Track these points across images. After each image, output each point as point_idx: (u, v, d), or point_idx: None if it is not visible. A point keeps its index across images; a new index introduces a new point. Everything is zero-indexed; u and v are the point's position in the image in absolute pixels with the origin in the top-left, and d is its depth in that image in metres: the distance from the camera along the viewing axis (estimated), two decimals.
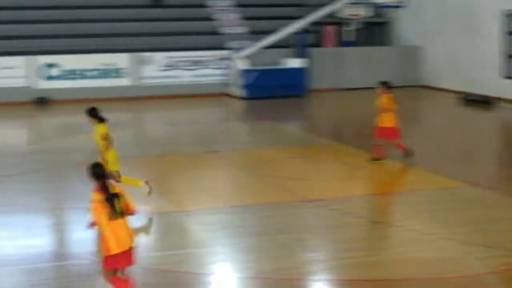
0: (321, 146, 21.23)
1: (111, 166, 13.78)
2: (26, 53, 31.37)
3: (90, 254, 11.39)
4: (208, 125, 26.07)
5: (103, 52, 32.28)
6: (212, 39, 34.03)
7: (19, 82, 31.02)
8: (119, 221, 8.71)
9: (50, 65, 31.39)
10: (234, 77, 32.41)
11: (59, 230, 13.49)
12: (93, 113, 14.37)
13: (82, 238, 12.30)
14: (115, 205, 8.71)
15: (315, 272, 11.01)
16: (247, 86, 31.68)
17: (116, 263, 8.84)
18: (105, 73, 32.04)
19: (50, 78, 31.41)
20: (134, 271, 10.60)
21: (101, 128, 14.15)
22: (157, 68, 32.58)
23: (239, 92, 31.97)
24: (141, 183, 14.58)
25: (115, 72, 32.18)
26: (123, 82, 32.26)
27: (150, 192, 14.52)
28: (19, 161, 19.16)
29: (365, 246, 12.12)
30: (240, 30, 34.85)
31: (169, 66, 32.73)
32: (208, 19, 35.08)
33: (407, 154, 18.15)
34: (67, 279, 10.64)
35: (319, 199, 14.79)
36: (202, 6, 35.50)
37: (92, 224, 8.87)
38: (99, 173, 8.82)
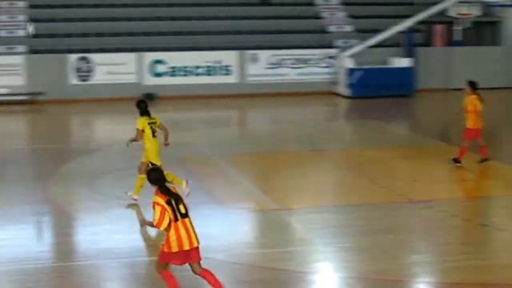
0: (428, 146, 20.92)
1: (150, 158, 13.97)
2: (136, 50, 32.08)
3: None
4: (313, 123, 26.03)
5: (211, 49, 32.67)
6: (319, 37, 33.98)
7: (129, 78, 31.74)
8: (183, 221, 8.94)
9: (159, 62, 31.99)
10: (340, 76, 32.28)
11: None
12: (139, 105, 14.45)
13: None
14: (178, 206, 8.91)
15: (418, 274, 10.86)
16: (353, 85, 31.50)
17: (171, 260, 9.07)
18: (212, 71, 32.42)
19: (158, 74, 32.01)
20: (236, 268, 10.69)
21: (140, 121, 14.30)
22: (263, 66, 32.75)
23: (344, 91, 31.82)
24: (184, 182, 14.45)
25: (222, 70, 32.52)
26: (230, 79, 32.57)
27: (188, 194, 14.12)
28: (127, 156, 19.57)
29: (471, 249, 11.88)
30: (347, 28, 34.67)
31: (275, 64, 32.85)
32: (315, 17, 35.03)
33: (484, 160, 17.69)
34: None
35: (425, 200, 14.58)
36: (309, 4, 35.49)
37: (150, 224, 9.08)
38: (156, 177, 9.03)
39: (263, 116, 28.92)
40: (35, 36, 32.36)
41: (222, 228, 12.89)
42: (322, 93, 32.36)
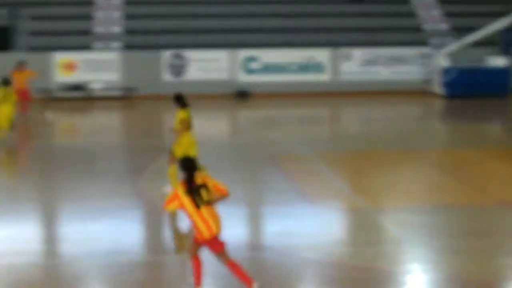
0: None
1: (185, 150, 14.22)
2: (229, 47, 32.37)
3: (282, 247, 11.61)
4: (406, 122, 25.79)
5: (303, 46, 32.70)
6: (413, 36, 33.60)
7: (222, 75, 32.06)
8: (206, 208, 9.30)
9: (251, 59, 32.20)
10: (434, 75, 31.86)
11: (254, 222, 13.83)
12: (177, 99, 14.86)
13: (277, 231, 12.56)
14: (200, 195, 9.31)
15: (510, 278, 10.66)
16: (448, 84, 31.04)
17: (204, 243, 9.42)
18: (304, 68, 32.45)
19: (251, 71, 32.22)
20: (327, 266, 10.70)
21: (181, 114, 14.67)
22: (356, 64, 32.60)
23: (439, 90, 31.39)
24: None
25: (315, 67, 32.51)
26: (322, 77, 32.53)
27: None
28: (219, 152, 19.79)
29: None
30: (442, 26, 34.19)
31: (369, 62, 32.65)
32: (410, 15, 34.66)
33: None
34: (262, 270, 10.87)
35: None
36: (404, 2, 35.13)
37: (165, 207, 9.51)
38: (187, 166, 9.41)
39: (355, 115, 28.80)
40: (130, 32, 33.01)
41: (313, 227, 12.91)
42: (416, 92, 31.99)
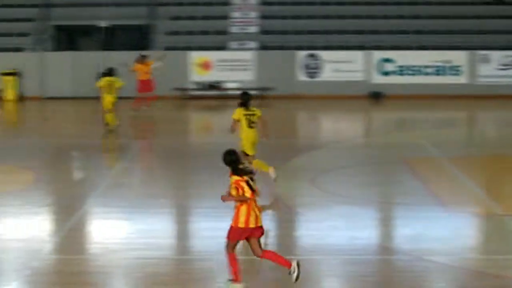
0: None
1: (243, 147, 14.80)
2: (364, 48, 32.20)
3: (412, 251, 11.48)
4: None
5: (440, 49, 32.15)
6: None
7: (357, 76, 31.93)
8: (254, 200, 9.50)
9: (386, 60, 31.91)
10: None
11: (385, 224, 13.72)
12: (242, 96, 15.24)
13: (408, 234, 12.42)
14: (251, 186, 9.47)
15: None
16: None
17: (240, 236, 9.56)
18: (440, 70, 31.89)
19: (386, 73, 31.94)
20: (459, 273, 10.48)
21: (236, 111, 15.16)
22: (495, 67, 31.77)
23: None
24: (270, 169, 15.32)
25: (451, 70, 31.90)
26: (459, 80, 31.88)
27: (276, 179, 15.31)
28: (352, 154, 19.75)
29: None
30: None
31: (508, 65, 31.76)
32: None
33: None
34: (391, 274, 10.77)
35: None
36: None
37: (238, 199, 9.46)
38: (231, 159, 9.64)
39: (493, 118, 28.09)
40: (265, 32, 33.33)
41: (446, 232, 12.67)
42: None
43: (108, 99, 21.91)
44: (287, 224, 13.49)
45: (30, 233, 12.56)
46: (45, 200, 15.21)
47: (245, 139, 15.06)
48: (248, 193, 9.46)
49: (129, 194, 15.35)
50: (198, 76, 32.20)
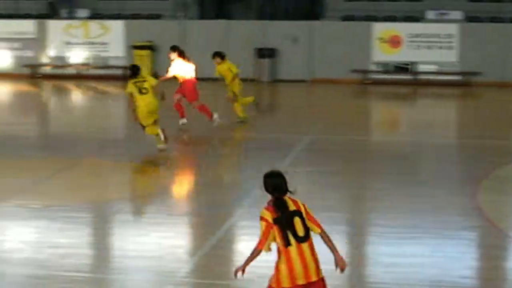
0: None
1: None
2: None
3: None
4: None
5: None
6: None
7: None
8: (299, 246, 8.64)
9: None
10: None
11: None
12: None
13: None
14: (294, 227, 8.63)
15: None
16: None
17: None
18: None
19: None
20: None
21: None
22: None
23: None
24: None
25: None
26: None
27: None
28: None
29: None
30: None
31: None
32: None
33: None
34: None
35: None
36: None
37: (257, 250, 8.70)
38: (274, 184, 8.80)
39: None
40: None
41: None
42: None
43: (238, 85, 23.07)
44: (497, 252, 13.18)
45: (163, 250, 12.81)
46: (182, 208, 15.50)
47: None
48: (271, 237, 8.66)
49: None
50: (383, 55, 32.00)
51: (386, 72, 31.81)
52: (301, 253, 8.65)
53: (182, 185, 17.44)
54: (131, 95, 19.32)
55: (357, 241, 13.88)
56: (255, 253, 8.73)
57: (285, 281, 8.63)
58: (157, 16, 34.06)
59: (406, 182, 17.16)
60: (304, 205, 8.85)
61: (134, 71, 19.68)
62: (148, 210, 15.07)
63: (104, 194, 16.86)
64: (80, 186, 17.49)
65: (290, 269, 8.62)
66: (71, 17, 34.86)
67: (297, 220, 8.70)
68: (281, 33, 31.43)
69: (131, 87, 19.35)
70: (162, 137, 19.22)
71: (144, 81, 19.50)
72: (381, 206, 15.35)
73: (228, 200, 15.85)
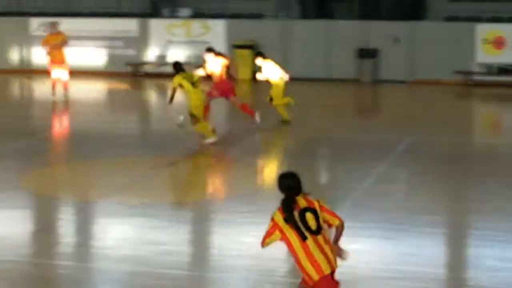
0: None
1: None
2: None
3: None
4: None
5: None
6: None
7: None
8: (315, 239, 8.87)
9: None
10: None
11: None
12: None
13: None
14: (307, 222, 8.87)
15: None
16: None
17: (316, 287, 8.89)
18: None
19: None
20: None
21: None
22: None
23: None
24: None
25: None
26: None
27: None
28: None
29: None
30: None
31: None
32: None
33: None
34: None
35: None
36: None
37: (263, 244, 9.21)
38: (288, 184, 9.07)
39: None
40: None
41: None
42: None
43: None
44: None
45: (261, 249, 12.79)
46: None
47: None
48: (274, 237, 9.08)
49: (389, 206, 15.34)
50: (486, 56, 31.55)
51: (489, 73, 31.38)
52: (318, 245, 8.87)
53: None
54: (176, 88, 20.24)
55: (459, 243, 13.75)
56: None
57: (315, 275, 8.84)
58: (258, 16, 34.12)
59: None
60: (318, 201, 9.12)
61: (179, 67, 20.46)
62: (245, 209, 15.05)
63: (202, 192, 16.98)
64: (180, 184, 17.65)
65: (313, 261, 8.83)
66: (173, 16, 35.11)
67: (309, 216, 8.94)
68: (383, 33, 31.20)
69: (181, 80, 20.10)
70: (211, 130, 20.30)
71: (192, 76, 20.37)
72: (486, 209, 15.12)
73: (327, 200, 15.74)
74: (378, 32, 31.28)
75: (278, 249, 12.94)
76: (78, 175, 18.26)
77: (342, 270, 11.31)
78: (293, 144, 21.52)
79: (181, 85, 20.10)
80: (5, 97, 30.99)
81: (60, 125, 25.34)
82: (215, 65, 22.19)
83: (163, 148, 20.59)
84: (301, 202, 9.00)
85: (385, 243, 13.31)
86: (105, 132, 22.97)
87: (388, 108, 28.64)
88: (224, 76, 22.39)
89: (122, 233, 13.96)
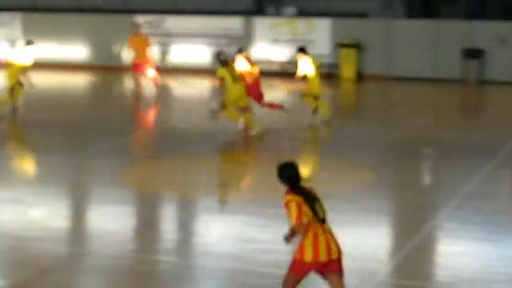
0: None
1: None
2: None
3: None
4: None
5: None
6: None
7: None
8: (322, 227, 9.22)
9: None
10: None
11: None
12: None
13: None
14: (316, 209, 9.16)
15: None
16: None
17: (303, 272, 9.30)
18: None
19: None
20: None
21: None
22: None
23: None
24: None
25: None
26: None
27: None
28: None
29: None
30: None
31: None
32: None
33: None
34: None
35: None
36: None
37: (291, 235, 9.27)
38: (288, 174, 9.30)
39: None
40: None
41: None
42: None
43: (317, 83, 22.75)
44: None
45: (364, 250, 12.72)
46: (384, 207, 15.37)
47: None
48: (307, 217, 9.16)
49: (494, 208, 15.14)
50: None
51: None
52: (324, 233, 9.25)
53: (381, 186, 17.22)
54: (222, 79, 20.62)
55: None
56: (296, 231, 9.23)
57: (309, 256, 9.18)
58: (363, 15, 33.91)
59: None
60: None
61: (223, 60, 20.87)
62: (345, 208, 14.96)
63: None
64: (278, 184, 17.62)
65: (315, 245, 9.18)
66: (277, 14, 35.11)
67: (317, 204, 9.30)
68: (489, 34, 30.76)
69: (224, 72, 20.54)
70: (240, 125, 20.92)
71: (234, 70, 20.88)
72: None
73: (431, 201, 15.65)
74: (484, 32, 30.84)
75: (381, 248, 12.93)
76: (179, 171, 18.38)
77: (445, 272, 11.25)
78: (398, 143, 21.32)
79: (222, 78, 20.60)
80: (111, 94, 31.30)
81: (156, 122, 25.53)
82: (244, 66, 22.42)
83: (265, 147, 20.67)
84: (307, 190, 9.34)
85: (489, 245, 13.14)
86: (206, 128, 22.80)
87: (494, 108, 28.25)
88: (259, 83, 22.61)
89: (222, 230, 14.03)
